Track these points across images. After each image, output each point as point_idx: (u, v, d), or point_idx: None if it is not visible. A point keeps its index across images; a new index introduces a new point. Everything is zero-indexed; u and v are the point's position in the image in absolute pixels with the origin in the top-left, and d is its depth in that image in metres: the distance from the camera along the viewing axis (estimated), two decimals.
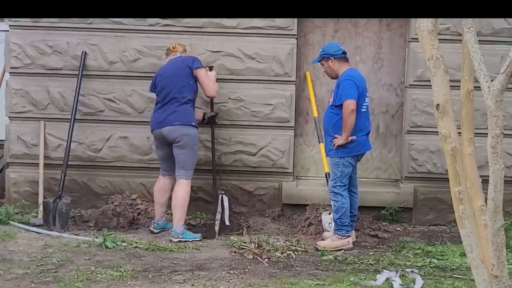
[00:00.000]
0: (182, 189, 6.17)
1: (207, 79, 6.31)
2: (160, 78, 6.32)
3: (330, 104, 6.10)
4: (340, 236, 5.99)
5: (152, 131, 6.33)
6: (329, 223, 6.34)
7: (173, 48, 6.41)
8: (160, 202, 6.41)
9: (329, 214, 6.43)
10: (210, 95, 6.43)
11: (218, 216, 6.45)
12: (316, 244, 6.02)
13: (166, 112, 6.18)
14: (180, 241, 6.09)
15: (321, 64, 6.15)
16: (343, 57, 6.05)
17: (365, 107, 6.06)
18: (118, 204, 6.68)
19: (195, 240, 6.13)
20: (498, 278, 3.24)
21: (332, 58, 6.01)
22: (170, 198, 6.31)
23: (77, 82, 6.81)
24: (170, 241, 6.12)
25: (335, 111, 5.99)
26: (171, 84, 6.20)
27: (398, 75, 7.17)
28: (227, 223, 6.48)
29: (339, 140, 5.92)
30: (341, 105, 5.89)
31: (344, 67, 6.04)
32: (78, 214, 6.82)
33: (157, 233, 6.36)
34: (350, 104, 5.85)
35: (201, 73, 6.26)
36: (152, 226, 6.43)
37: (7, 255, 5.55)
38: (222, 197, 6.52)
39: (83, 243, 5.95)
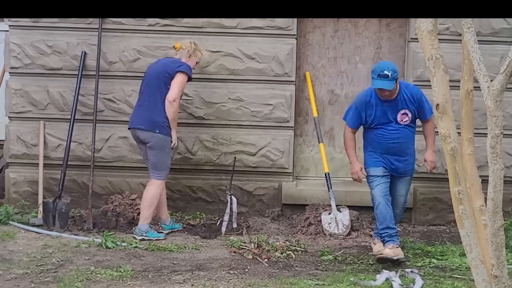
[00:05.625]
0: (151, 189, 6.16)
1: (179, 84, 6.06)
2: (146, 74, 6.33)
3: (404, 123, 5.71)
4: (397, 246, 5.66)
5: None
6: (329, 223, 6.34)
7: (175, 47, 6.32)
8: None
9: (329, 214, 6.44)
10: (168, 97, 6.01)
11: (226, 217, 6.51)
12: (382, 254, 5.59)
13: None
14: (143, 239, 6.06)
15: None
16: None
17: None
18: (118, 204, 6.67)
19: (158, 239, 6.09)
20: (497, 278, 3.25)
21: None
22: (163, 198, 6.36)
23: (77, 82, 6.80)
24: (134, 238, 6.10)
25: (414, 128, 5.78)
26: (150, 84, 6.16)
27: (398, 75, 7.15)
28: (234, 225, 6.55)
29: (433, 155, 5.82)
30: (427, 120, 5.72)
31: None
32: (78, 214, 6.82)
33: (167, 234, 6.30)
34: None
35: (178, 77, 6.06)
36: (160, 228, 6.40)
37: (7, 255, 5.55)
38: (231, 199, 6.57)
39: (82, 243, 5.95)
